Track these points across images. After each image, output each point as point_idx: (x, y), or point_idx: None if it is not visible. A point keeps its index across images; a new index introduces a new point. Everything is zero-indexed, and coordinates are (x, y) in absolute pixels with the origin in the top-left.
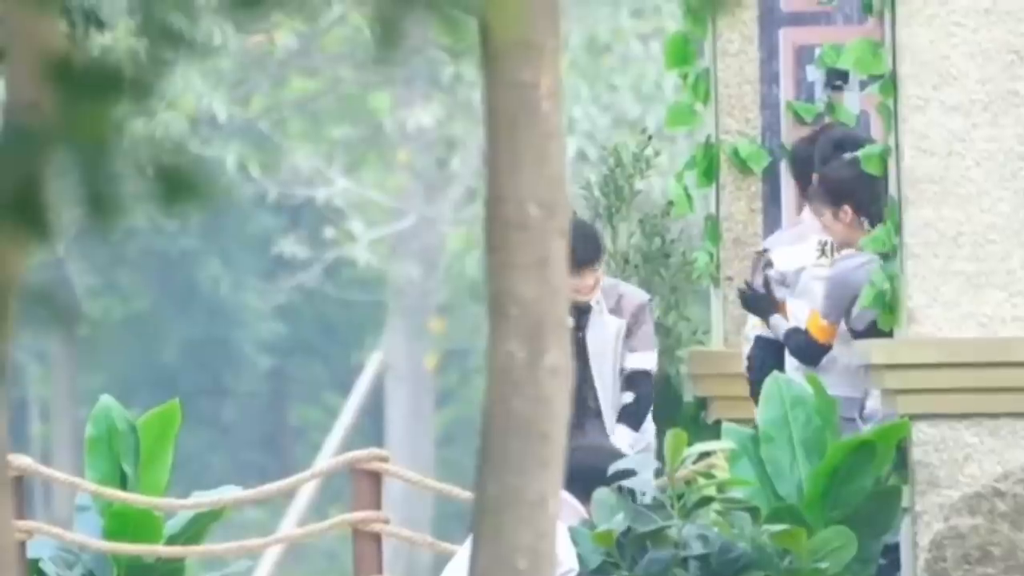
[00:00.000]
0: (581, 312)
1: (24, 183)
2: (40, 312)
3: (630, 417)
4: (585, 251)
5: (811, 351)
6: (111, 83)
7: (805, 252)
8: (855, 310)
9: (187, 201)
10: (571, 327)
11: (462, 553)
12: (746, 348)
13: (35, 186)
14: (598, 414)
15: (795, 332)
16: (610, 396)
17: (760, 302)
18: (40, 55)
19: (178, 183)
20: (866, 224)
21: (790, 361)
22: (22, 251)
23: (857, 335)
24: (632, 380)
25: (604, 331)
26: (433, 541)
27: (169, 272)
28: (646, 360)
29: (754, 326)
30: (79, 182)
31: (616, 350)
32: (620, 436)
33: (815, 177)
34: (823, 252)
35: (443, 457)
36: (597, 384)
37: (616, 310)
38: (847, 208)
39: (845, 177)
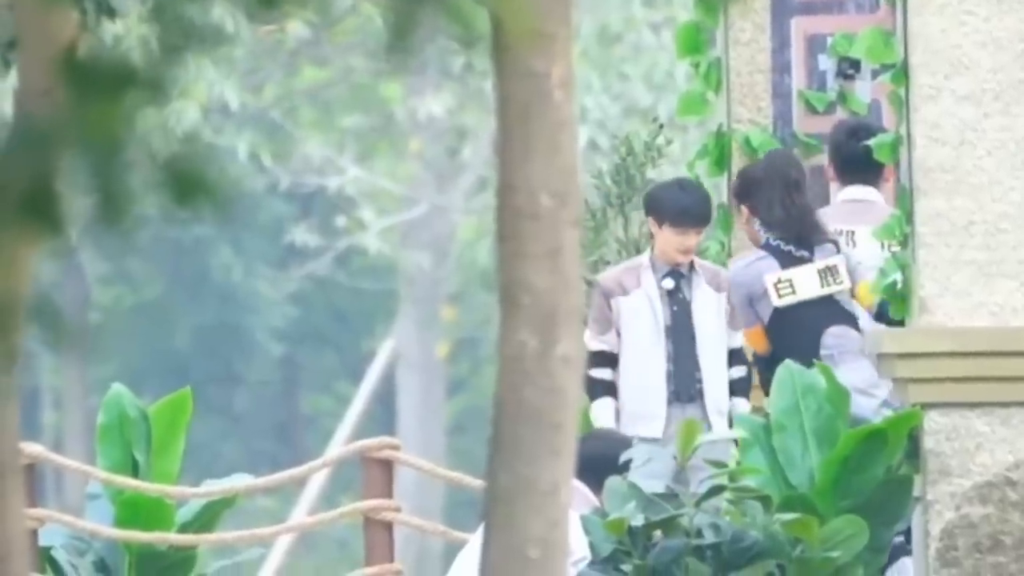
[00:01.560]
0: (680, 275)
1: (36, 174)
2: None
3: (744, 391)
4: (699, 211)
5: (759, 366)
6: (123, 73)
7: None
8: (763, 306)
9: (198, 192)
10: (670, 288)
11: (474, 542)
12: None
13: (47, 177)
14: (700, 393)
15: (756, 361)
16: (714, 372)
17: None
18: (52, 45)
19: (189, 174)
20: (757, 225)
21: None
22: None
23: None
24: (738, 356)
25: (707, 304)
26: (444, 529)
27: (181, 260)
28: (740, 338)
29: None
30: (91, 173)
31: (720, 326)
32: (741, 407)
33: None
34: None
35: (454, 446)
36: (702, 359)
37: (714, 284)
38: (743, 208)
39: (751, 178)
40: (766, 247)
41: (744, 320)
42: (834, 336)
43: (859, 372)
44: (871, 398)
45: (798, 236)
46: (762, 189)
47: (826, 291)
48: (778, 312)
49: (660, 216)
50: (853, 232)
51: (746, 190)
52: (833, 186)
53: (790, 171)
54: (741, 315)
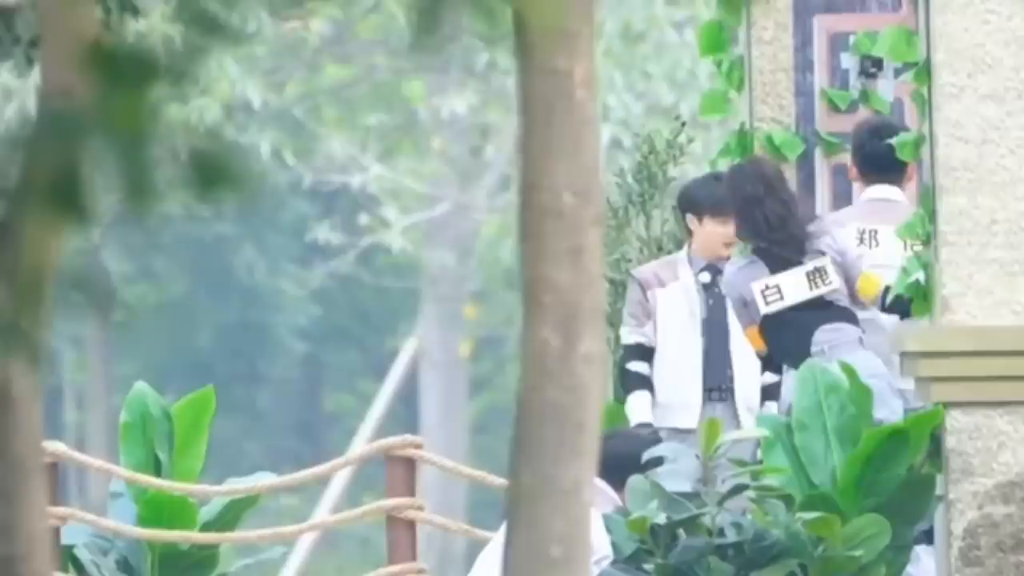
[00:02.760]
0: (717, 270)
1: (60, 169)
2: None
3: (776, 396)
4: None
5: (762, 366)
6: (146, 70)
7: (843, 237)
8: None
9: (222, 188)
10: (706, 282)
11: (496, 540)
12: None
13: (71, 172)
14: (731, 389)
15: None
16: (745, 367)
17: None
18: (75, 41)
19: (213, 170)
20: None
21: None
22: (58, 237)
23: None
24: (771, 361)
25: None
26: (467, 528)
27: (204, 258)
28: None
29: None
30: (114, 169)
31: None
32: (773, 412)
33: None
34: (861, 240)
35: (477, 444)
36: (734, 355)
37: None
38: (691, 216)
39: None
40: (756, 251)
41: (741, 321)
42: (825, 332)
43: (856, 363)
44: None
45: (777, 244)
46: (737, 196)
47: (815, 293)
48: (767, 318)
49: (699, 211)
50: (876, 231)
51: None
52: (856, 185)
53: (746, 186)
54: (741, 317)
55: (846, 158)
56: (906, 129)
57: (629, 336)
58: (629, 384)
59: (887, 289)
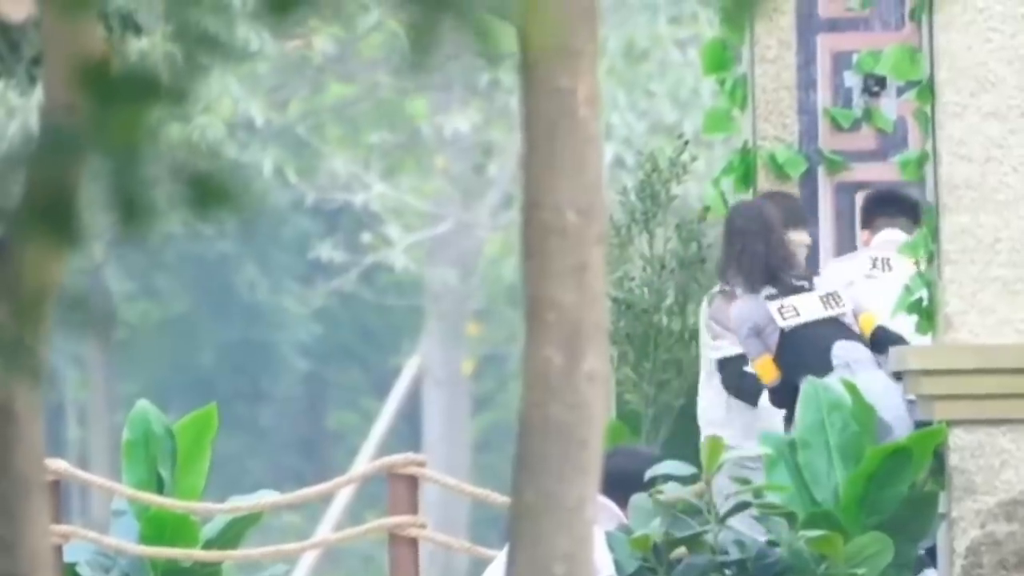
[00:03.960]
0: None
1: (60, 187)
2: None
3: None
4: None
5: (779, 396)
6: (147, 88)
7: (855, 267)
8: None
9: (221, 207)
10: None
11: (500, 559)
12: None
13: (70, 191)
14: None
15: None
16: None
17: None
18: (77, 60)
19: (212, 189)
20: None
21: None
22: (58, 256)
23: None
24: None
25: None
26: (470, 546)
27: (206, 276)
28: None
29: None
30: (113, 187)
31: None
32: None
33: None
34: (874, 265)
35: (480, 462)
36: None
37: None
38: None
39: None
40: (747, 283)
41: (755, 351)
42: (844, 347)
43: (877, 381)
44: (890, 399)
45: (770, 274)
46: (724, 242)
47: (829, 313)
48: (785, 335)
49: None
50: (888, 259)
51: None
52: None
53: (735, 220)
54: (748, 349)
55: (849, 176)
56: (911, 197)
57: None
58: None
59: (879, 329)
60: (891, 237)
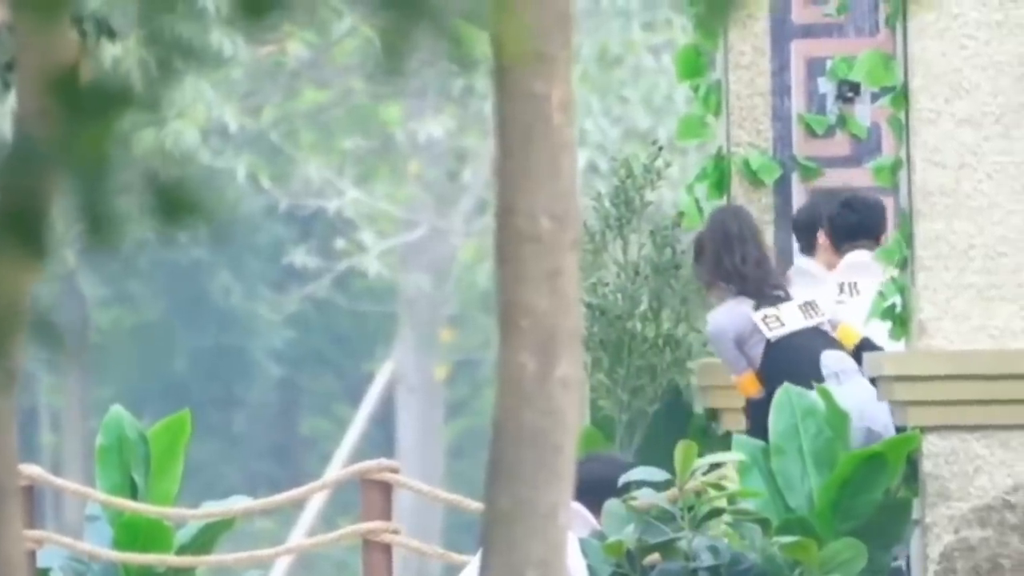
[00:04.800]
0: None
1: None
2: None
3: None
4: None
5: (750, 411)
6: (118, 97)
7: (822, 294)
8: (754, 345)
9: (192, 216)
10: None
11: (474, 564)
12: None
13: (41, 201)
14: None
15: (748, 406)
16: None
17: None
18: (51, 66)
19: (184, 198)
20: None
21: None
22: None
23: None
24: None
25: None
26: (443, 552)
27: (180, 282)
28: None
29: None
30: (83, 198)
31: None
32: None
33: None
34: (841, 291)
35: (453, 468)
36: None
37: None
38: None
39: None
40: (741, 291)
41: (734, 367)
42: (831, 356)
43: (865, 391)
44: (880, 408)
45: (756, 284)
46: (707, 247)
47: (809, 323)
48: (771, 345)
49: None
50: (856, 283)
51: (697, 252)
52: (825, 254)
53: (731, 225)
54: (730, 362)
55: (823, 182)
56: (877, 200)
57: None
58: None
59: (864, 341)
60: (857, 260)
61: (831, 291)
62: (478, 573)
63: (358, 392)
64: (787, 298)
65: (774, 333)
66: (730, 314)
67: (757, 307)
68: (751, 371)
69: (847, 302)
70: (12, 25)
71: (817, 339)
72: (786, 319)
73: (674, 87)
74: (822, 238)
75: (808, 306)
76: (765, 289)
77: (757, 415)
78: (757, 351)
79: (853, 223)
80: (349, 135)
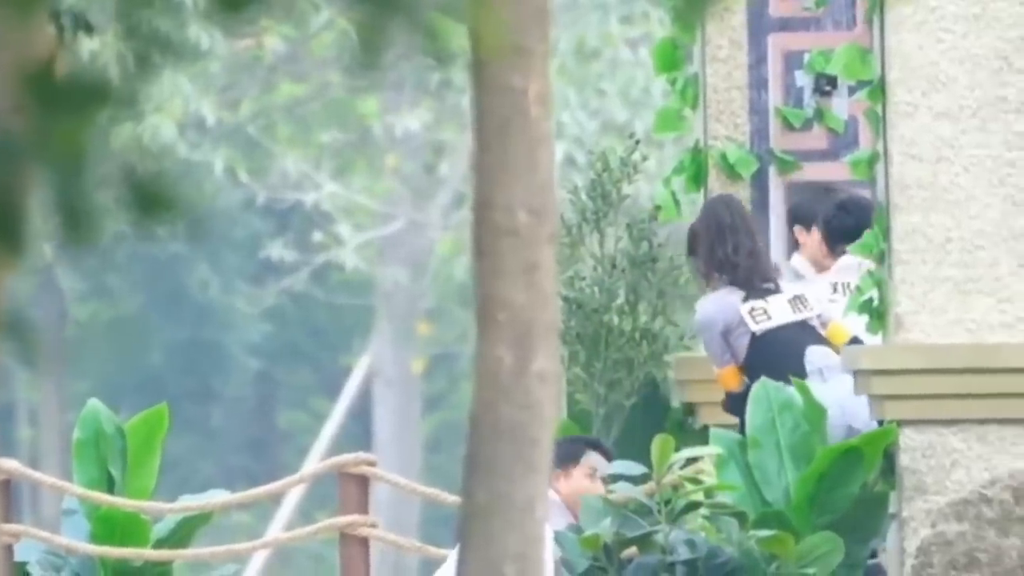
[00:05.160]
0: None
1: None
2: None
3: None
4: None
5: (737, 405)
6: (94, 92)
7: (814, 292)
8: (739, 336)
9: (169, 210)
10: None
11: (451, 559)
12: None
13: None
14: None
15: (727, 399)
16: None
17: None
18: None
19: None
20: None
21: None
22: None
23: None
24: None
25: None
26: (420, 545)
27: (157, 276)
28: None
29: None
30: (60, 191)
31: None
32: None
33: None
34: (835, 290)
35: (430, 462)
36: None
37: None
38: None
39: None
40: (731, 284)
41: (718, 359)
42: (816, 352)
43: (849, 388)
44: (861, 406)
45: (744, 277)
46: (701, 237)
47: (798, 317)
48: (756, 339)
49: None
50: (849, 283)
51: (691, 244)
52: (813, 252)
53: (724, 216)
54: (715, 354)
55: (800, 176)
56: (871, 204)
57: None
58: None
59: (855, 340)
60: (852, 262)
61: (824, 290)
62: (456, 567)
63: (335, 386)
64: (777, 291)
65: (760, 326)
66: (719, 304)
67: (746, 299)
68: (734, 365)
69: (839, 301)
70: None
71: (803, 334)
72: (774, 312)
73: (651, 80)
74: (804, 236)
75: (798, 300)
76: (755, 280)
77: (739, 409)
78: (742, 343)
79: (849, 225)
80: (326, 128)
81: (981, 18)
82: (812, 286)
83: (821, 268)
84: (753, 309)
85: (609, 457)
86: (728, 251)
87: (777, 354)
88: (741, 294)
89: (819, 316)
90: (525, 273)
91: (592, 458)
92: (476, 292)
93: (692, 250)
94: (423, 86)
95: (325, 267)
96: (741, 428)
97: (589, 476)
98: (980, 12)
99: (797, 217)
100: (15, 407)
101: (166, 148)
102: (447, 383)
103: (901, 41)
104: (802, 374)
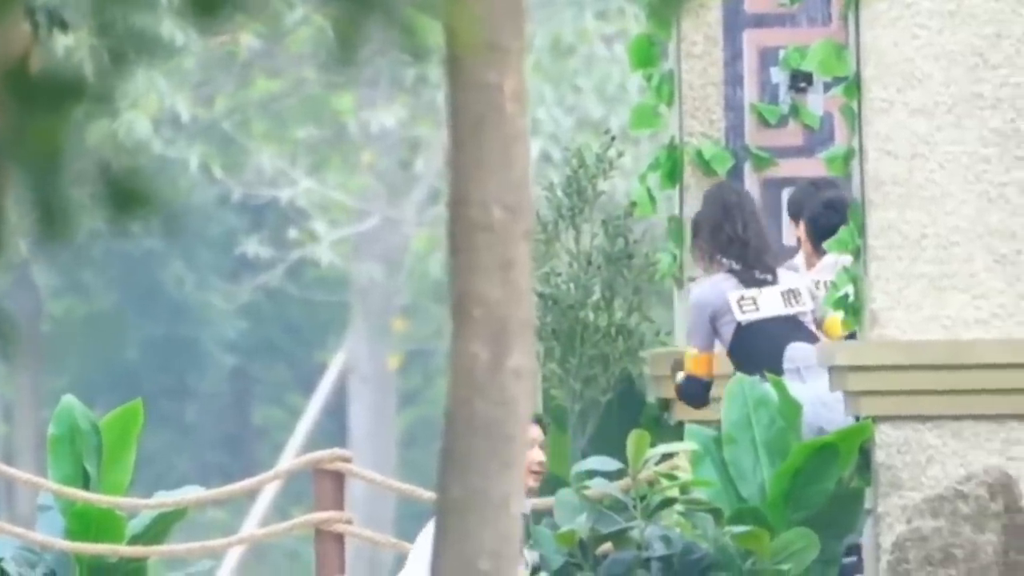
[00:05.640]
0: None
1: None
2: None
3: None
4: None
5: (694, 390)
6: (69, 89)
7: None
8: (725, 323)
9: (145, 207)
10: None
11: (416, 551)
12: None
13: None
14: None
15: (685, 380)
16: None
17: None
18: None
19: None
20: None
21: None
22: None
23: None
24: None
25: None
26: (395, 541)
27: (133, 272)
28: None
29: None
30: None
31: None
32: None
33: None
34: (817, 287)
35: (406, 458)
36: None
37: None
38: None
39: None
40: (729, 271)
41: (702, 343)
42: (798, 350)
43: (825, 385)
44: (835, 411)
45: (753, 256)
46: (705, 221)
47: (789, 311)
48: (741, 328)
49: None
50: (830, 282)
51: (695, 229)
52: (805, 247)
53: (730, 197)
54: (700, 337)
55: (775, 172)
56: (854, 201)
57: None
58: None
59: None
60: (827, 261)
61: (809, 287)
62: (431, 563)
63: (311, 382)
64: (773, 282)
65: (746, 316)
66: (714, 288)
67: (743, 286)
68: (710, 354)
69: (819, 298)
70: None
71: (790, 329)
72: (763, 304)
73: (627, 76)
74: (803, 237)
75: (791, 294)
76: (757, 267)
77: (693, 396)
78: (728, 331)
79: (836, 224)
80: (302, 125)
81: (956, 14)
82: (799, 281)
83: (809, 264)
84: (743, 298)
85: (545, 429)
86: (737, 229)
87: (758, 346)
88: (735, 281)
89: (812, 312)
90: (500, 269)
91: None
92: (451, 288)
93: (695, 235)
94: (398, 82)
95: (300, 263)
96: (692, 405)
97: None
98: (955, 8)
99: (791, 212)
100: None
101: (141, 145)
102: (422, 379)
103: (876, 37)
104: (780, 369)
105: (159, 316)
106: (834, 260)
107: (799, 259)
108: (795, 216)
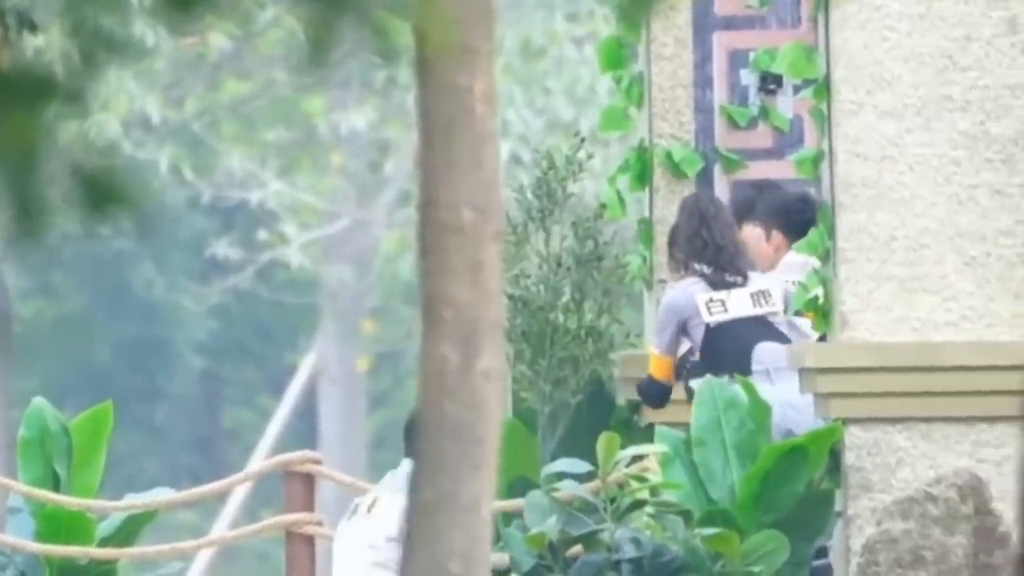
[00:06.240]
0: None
1: None
2: None
3: None
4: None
5: (652, 392)
6: (40, 89)
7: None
8: (695, 326)
9: (116, 207)
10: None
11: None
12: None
13: None
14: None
15: (645, 381)
16: None
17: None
18: None
19: (107, 189)
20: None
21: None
22: None
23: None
24: None
25: None
26: None
27: (103, 274)
28: None
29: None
30: (6, 188)
31: None
32: None
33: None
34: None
35: (376, 460)
36: None
37: None
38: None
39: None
40: (700, 275)
41: (664, 347)
42: (766, 351)
43: (794, 387)
44: (803, 414)
45: (726, 260)
46: (682, 230)
47: (758, 311)
48: (710, 330)
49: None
50: (797, 281)
51: (672, 237)
52: (769, 246)
53: (707, 207)
54: (664, 340)
55: (745, 174)
56: (822, 203)
57: None
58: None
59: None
60: (795, 260)
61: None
62: (401, 566)
63: (281, 384)
64: (744, 285)
65: (714, 318)
66: (684, 293)
67: (712, 288)
68: (672, 358)
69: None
70: None
71: (759, 329)
72: (732, 305)
73: (597, 78)
74: (773, 234)
75: (760, 295)
76: (729, 271)
77: (652, 396)
78: (698, 333)
79: (809, 220)
80: (272, 127)
81: (926, 17)
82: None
83: (771, 263)
84: (711, 300)
85: None
86: (715, 236)
87: (726, 347)
88: (703, 284)
89: (783, 312)
90: (470, 271)
91: None
92: (421, 290)
93: (671, 243)
94: (369, 84)
95: (270, 265)
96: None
97: None
98: (924, 11)
99: (737, 213)
100: None
101: (111, 146)
102: (392, 381)
103: (846, 39)
104: (749, 370)
105: (129, 318)
106: (799, 259)
107: (791, 257)
108: (742, 217)
